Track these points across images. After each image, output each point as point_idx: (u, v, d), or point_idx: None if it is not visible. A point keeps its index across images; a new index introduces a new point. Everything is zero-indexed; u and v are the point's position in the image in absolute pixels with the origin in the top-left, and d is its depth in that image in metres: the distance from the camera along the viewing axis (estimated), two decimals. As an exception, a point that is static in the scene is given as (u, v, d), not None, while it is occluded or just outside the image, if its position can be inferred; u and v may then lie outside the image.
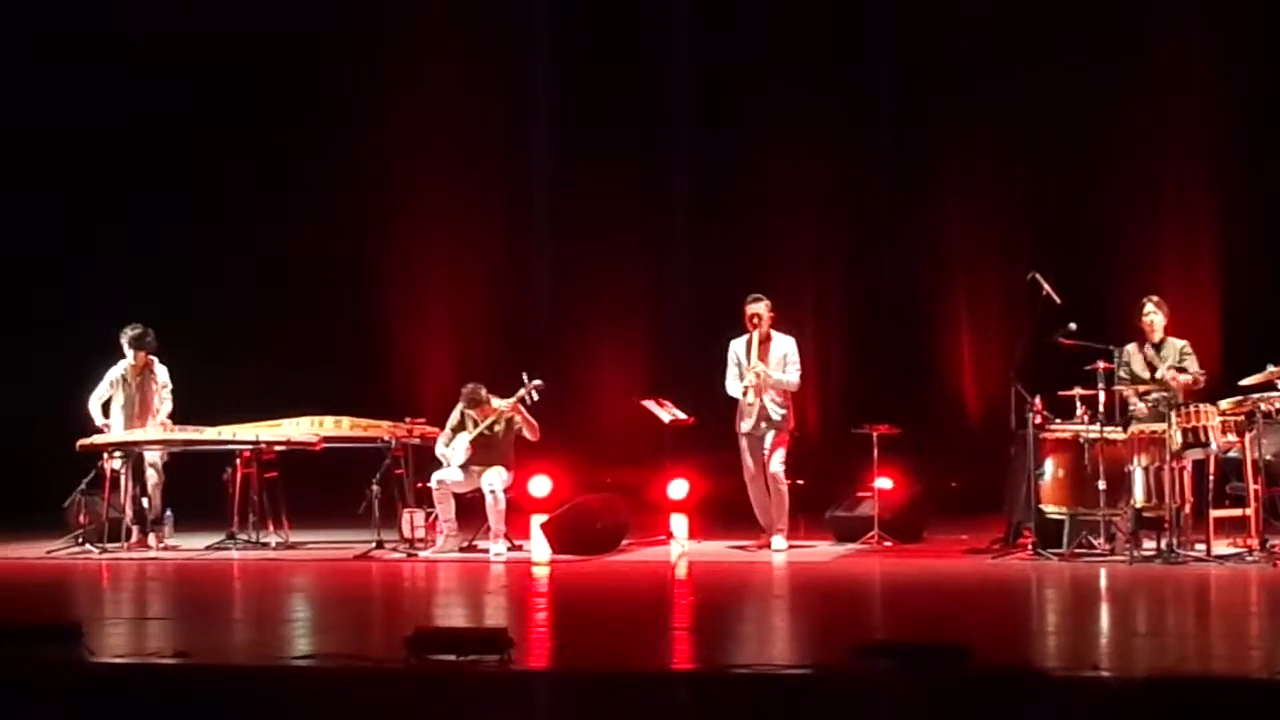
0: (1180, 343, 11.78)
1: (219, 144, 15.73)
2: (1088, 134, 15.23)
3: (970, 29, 15.41)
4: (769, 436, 12.18)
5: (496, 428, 12.27)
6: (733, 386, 12.28)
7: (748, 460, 12.28)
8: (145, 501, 12.72)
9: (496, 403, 12.29)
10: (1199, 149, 15.15)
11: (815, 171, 15.77)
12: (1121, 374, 11.57)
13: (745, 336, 12.28)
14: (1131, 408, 11.55)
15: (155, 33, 15.62)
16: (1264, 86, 14.83)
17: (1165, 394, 11.44)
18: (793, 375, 12.25)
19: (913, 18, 15.66)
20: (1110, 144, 15.20)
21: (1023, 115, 15.44)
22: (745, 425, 12.22)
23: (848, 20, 15.64)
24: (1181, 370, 11.56)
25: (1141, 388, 11.57)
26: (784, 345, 12.30)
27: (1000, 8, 15.40)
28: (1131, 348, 11.75)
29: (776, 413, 12.18)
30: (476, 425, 12.28)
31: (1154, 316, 11.79)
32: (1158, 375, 11.59)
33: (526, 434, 12.31)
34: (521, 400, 12.23)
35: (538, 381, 12.24)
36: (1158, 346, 11.75)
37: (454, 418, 12.44)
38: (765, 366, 12.15)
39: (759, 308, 12.27)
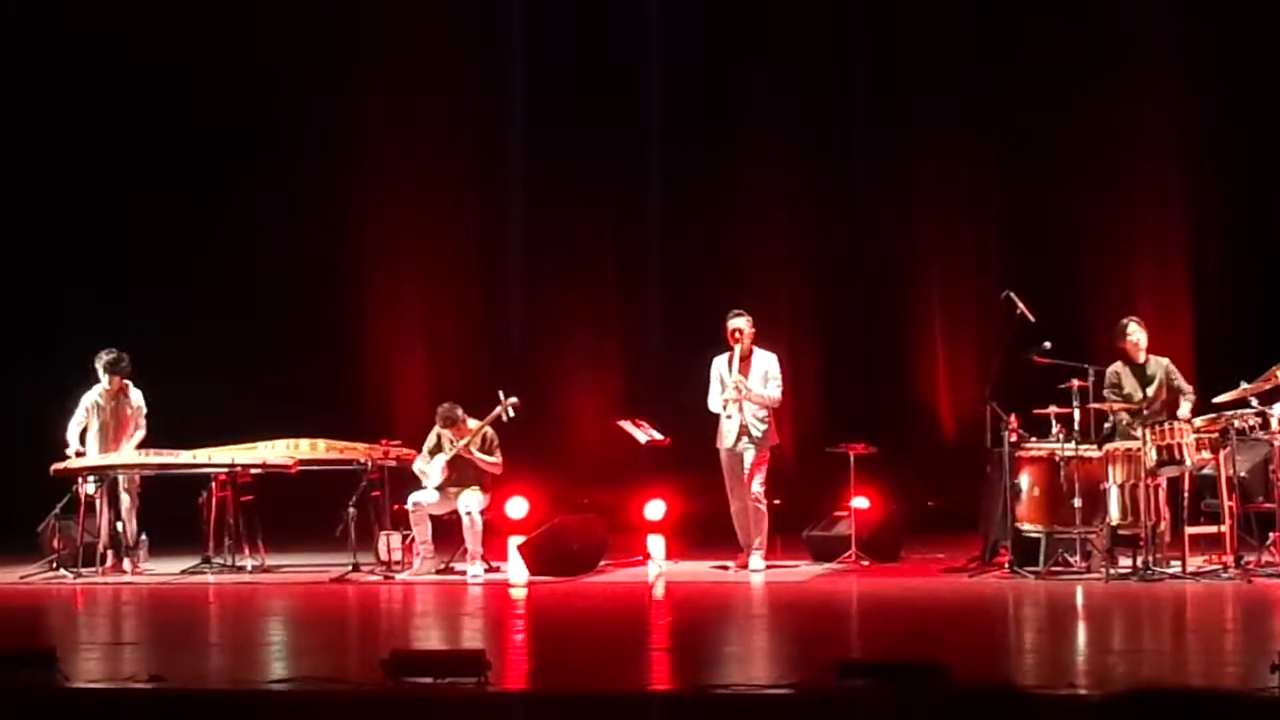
0: (1164, 361, 11.79)
1: (192, 171, 15.65)
2: (1062, 151, 15.25)
3: (943, 46, 15.45)
4: (749, 454, 12.15)
5: (473, 448, 12.24)
6: (714, 403, 12.26)
7: (729, 478, 12.26)
8: (120, 525, 12.66)
9: (472, 423, 12.27)
10: (1171, 166, 15.20)
11: (788, 190, 15.77)
12: (1111, 394, 11.54)
13: (727, 354, 12.27)
14: (1124, 423, 11.49)
15: (127, 64, 15.59)
16: (1234, 104, 14.89)
17: (1159, 414, 11.45)
18: (774, 391, 12.22)
19: (883, 39, 15.70)
20: (1083, 162, 15.23)
21: (997, 133, 15.49)
22: (726, 442, 12.21)
23: (819, 46, 15.67)
24: (1183, 394, 11.60)
25: (1136, 407, 11.55)
26: (765, 362, 12.28)
27: (974, 22, 15.43)
28: (1120, 368, 11.74)
29: (757, 429, 12.17)
30: (452, 445, 12.25)
31: (1138, 336, 11.80)
32: (1147, 394, 11.62)
33: (483, 465, 12.21)
34: (497, 418, 12.21)
35: (513, 399, 12.22)
36: (1143, 366, 11.77)
37: (431, 439, 12.40)
38: (745, 380, 12.14)
39: (740, 323, 12.25)
